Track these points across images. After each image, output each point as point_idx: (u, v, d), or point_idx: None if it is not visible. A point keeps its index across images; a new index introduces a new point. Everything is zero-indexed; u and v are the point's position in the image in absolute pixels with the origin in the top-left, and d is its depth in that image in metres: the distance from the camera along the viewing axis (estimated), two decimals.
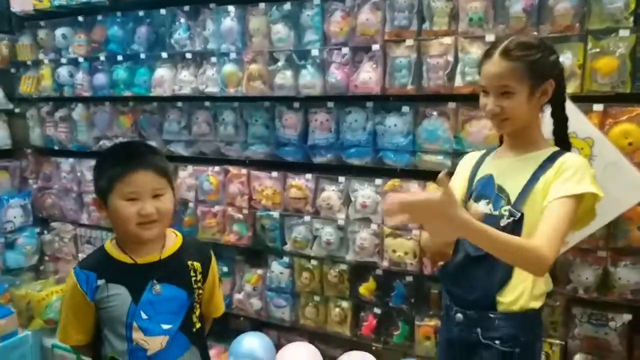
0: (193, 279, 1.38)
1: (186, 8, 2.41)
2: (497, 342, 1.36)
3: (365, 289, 2.21)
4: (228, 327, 2.57)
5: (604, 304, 1.80)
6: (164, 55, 2.48)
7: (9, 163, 3.12)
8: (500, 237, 1.18)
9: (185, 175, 2.58)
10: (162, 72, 2.50)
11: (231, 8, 2.26)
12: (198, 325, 1.40)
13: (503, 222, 1.36)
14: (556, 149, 1.41)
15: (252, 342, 1.25)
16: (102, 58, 2.68)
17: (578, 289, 1.80)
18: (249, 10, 2.24)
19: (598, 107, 1.72)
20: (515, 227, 1.34)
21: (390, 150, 2.07)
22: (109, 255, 1.34)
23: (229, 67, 2.29)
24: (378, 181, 2.10)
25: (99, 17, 2.66)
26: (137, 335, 1.31)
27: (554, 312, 1.87)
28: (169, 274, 1.35)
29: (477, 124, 1.91)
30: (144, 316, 1.31)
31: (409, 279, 2.12)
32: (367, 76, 2.01)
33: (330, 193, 2.21)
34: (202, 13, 2.38)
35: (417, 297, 2.11)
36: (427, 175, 2.04)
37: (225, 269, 2.56)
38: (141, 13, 2.53)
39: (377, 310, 2.20)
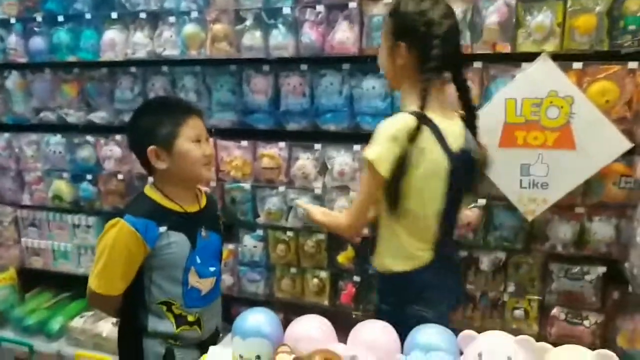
0: (221, 226, 1.60)
1: None
2: (378, 297, 1.51)
3: (344, 257, 2.16)
4: None
5: (579, 258, 1.87)
6: (114, 15, 2.24)
7: None
8: (322, 221, 1.49)
9: None
10: (112, 35, 2.26)
11: None
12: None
13: None
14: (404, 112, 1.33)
15: (257, 318, 1.16)
16: (38, 19, 2.38)
17: (556, 246, 1.86)
18: None
19: (577, 65, 1.74)
20: None
21: (368, 114, 2.00)
22: (159, 204, 1.43)
23: (190, 28, 2.10)
24: (356, 147, 2.03)
25: None
26: (192, 279, 1.45)
27: (532, 269, 1.92)
28: (209, 222, 1.53)
29: None
30: (198, 260, 1.46)
31: None
32: (344, 36, 1.91)
33: (305, 161, 2.12)
34: None
35: None
36: None
37: None
38: None
39: (357, 279, 2.17)
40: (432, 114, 1.31)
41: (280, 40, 1.99)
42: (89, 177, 2.52)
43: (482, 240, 1.93)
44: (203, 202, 1.55)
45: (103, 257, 1.38)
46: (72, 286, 2.81)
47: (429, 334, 1.11)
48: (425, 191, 1.33)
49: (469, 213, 1.90)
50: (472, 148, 1.41)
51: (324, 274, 2.22)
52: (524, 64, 1.77)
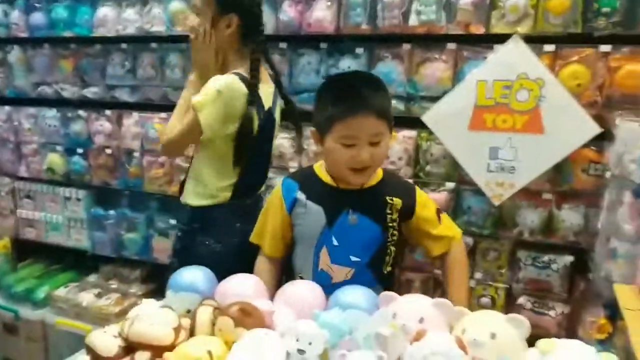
0: (389, 215, 1.33)
1: None
2: (177, 225, 1.73)
3: None
4: None
5: (547, 246, 1.82)
6: None
7: None
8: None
9: (130, 123, 2.45)
10: (105, 11, 2.34)
11: None
12: (389, 268, 1.35)
13: None
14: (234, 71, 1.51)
15: (192, 273, 1.17)
16: None
17: (524, 232, 1.82)
18: None
19: (550, 47, 1.71)
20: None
21: None
22: (314, 173, 1.36)
23: (175, 4, 2.16)
24: None
25: None
26: (323, 260, 1.31)
27: (500, 256, 1.88)
28: (365, 205, 1.31)
29: (430, 66, 1.88)
30: (334, 242, 1.30)
31: None
32: (321, 14, 1.93)
33: (282, 140, 2.13)
34: None
35: None
36: None
37: (173, 221, 2.48)
38: None
39: None
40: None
41: None
42: (80, 151, 2.59)
43: None
44: (370, 182, 1.33)
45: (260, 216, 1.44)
46: (62, 258, 2.90)
47: (349, 292, 1.12)
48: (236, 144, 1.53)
49: (437, 196, 1.88)
50: (276, 106, 1.65)
51: None
52: (496, 46, 1.75)
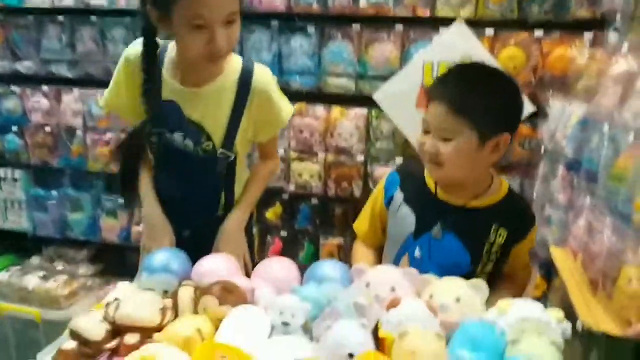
0: (486, 247, 1.16)
1: None
2: None
3: (272, 213, 2.23)
4: (126, 262, 2.46)
5: None
6: None
7: None
8: (256, 194, 1.41)
9: (71, 99, 2.35)
10: None
11: None
12: None
13: (220, 167, 1.32)
14: (237, 60, 1.33)
15: (165, 255, 1.20)
16: None
17: None
18: None
19: (489, 31, 1.84)
20: (231, 166, 1.34)
21: (296, 72, 2.04)
22: (422, 172, 1.22)
23: None
24: None
25: None
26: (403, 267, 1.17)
27: None
28: (461, 226, 1.15)
29: (379, 47, 1.95)
30: (417, 254, 1.19)
31: (314, 201, 2.17)
32: None
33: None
34: None
35: (321, 218, 2.17)
36: (332, 99, 2.07)
37: (121, 201, 2.43)
38: None
39: (284, 233, 2.25)
40: None
41: None
42: (14, 128, 2.45)
43: None
44: (479, 202, 1.17)
45: None
46: None
47: (323, 267, 1.19)
48: None
49: (387, 170, 1.99)
50: None
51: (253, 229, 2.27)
52: (441, 29, 1.85)
